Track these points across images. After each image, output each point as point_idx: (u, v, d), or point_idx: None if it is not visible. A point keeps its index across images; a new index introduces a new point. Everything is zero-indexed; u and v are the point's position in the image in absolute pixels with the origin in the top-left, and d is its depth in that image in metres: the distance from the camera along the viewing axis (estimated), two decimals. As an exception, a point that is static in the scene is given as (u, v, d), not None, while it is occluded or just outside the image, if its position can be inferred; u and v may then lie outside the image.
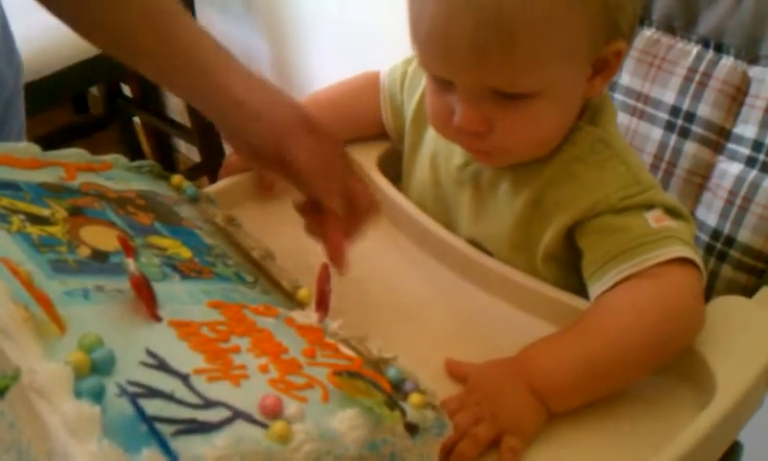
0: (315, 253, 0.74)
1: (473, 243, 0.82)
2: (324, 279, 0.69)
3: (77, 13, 0.74)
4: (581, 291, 0.75)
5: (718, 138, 0.87)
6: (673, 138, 0.90)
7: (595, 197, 0.73)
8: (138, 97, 2.16)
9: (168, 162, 2.34)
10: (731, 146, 0.86)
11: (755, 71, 0.84)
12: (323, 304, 0.67)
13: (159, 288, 0.55)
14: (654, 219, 0.71)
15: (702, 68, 0.87)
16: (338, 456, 0.48)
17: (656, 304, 0.69)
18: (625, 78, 0.92)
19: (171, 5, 0.74)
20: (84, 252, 0.57)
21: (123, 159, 0.77)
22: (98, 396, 0.43)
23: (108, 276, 0.55)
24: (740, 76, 0.85)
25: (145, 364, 0.47)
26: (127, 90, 2.24)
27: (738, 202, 0.84)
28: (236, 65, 0.75)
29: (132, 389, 0.44)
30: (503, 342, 0.70)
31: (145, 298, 0.53)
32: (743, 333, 0.72)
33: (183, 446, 0.43)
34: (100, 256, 0.58)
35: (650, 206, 0.72)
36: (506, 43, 0.65)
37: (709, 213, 0.87)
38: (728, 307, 0.74)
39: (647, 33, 0.91)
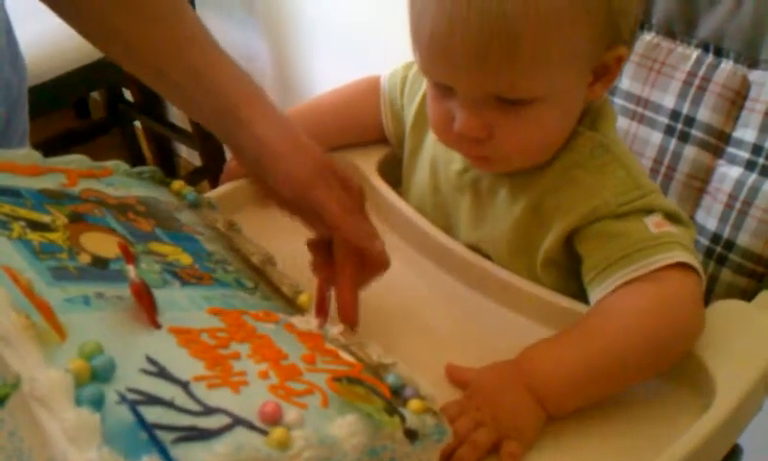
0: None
1: (473, 248, 0.82)
2: (323, 285, 0.69)
3: (100, 34, 0.74)
4: (581, 296, 0.75)
5: (718, 142, 0.87)
6: (673, 142, 0.90)
7: (595, 202, 0.73)
8: (140, 102, 2.17)
9: (169, 167, 2.34)
10: (730, 150, 0.86)
11: (754, 75, 0.84)
12: (323, 310, 0.67)
13: (160, 295, 0.55)
14: (654, 224, 0.72)
15: (701, 72, 0.87)
16: (337, 462, 0.48)
17: (655, 308, 0.69)
18: (625, 82, 0.93)
19: (200, 33, 0.74)
20: (84, 258, 0.58)
21: (124, 165, 0.77)
22: (98, 403, 0.43)
23: (109, 282, 0.55)
24: (740, 80, 0.85)
25: (145, 371, 0.47)
26: (128, 95, 2.25)
27: (738, 206, 0.84)
28: (263, 104, 0.73)
29: (132, 396, 0.44)
30: (503, 346, 0.70)
31: (145, 305, 0.53)
32: (743, 337, 0.72)
33: (183, 453, 0.43)
34: (100, 263, 0.58)
35: (650, 211, 0.73)
36: (508, 50, 0.65)
37: (709, 217, 0.87)
38: (727, 311, 0.74)
39: (647, 37, 0.91)
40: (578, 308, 0.74)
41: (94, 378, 0.44)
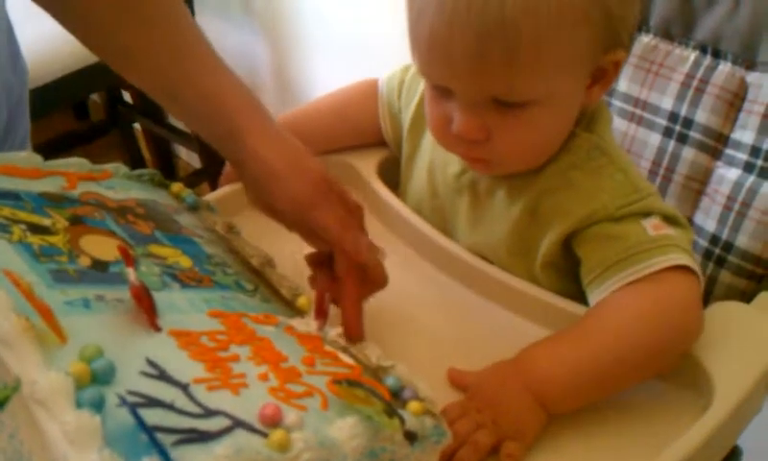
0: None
1: (472, 251, 0.82)
2: (322, 287, 0.69)
3: (112, 55, 0.74)
4: (580, 297, 0.75)
5: (716, 144, 0.87)
6: (671, 144, 0.90)
7: (593, 205, 0.73)
8: (139, 103, 2.17)
9: (168, 169, 2.34)
10: (728, 152, 0.86)
11: (752, 77, 0.84)
12: (322, 312, 0.67)
13: (159, 297, 0.55)
14: (652, 227, 0.72)
15: (699, 74, 0.87)
16: (337, 464, 0.49)
17: (654, 309, 0.69)
18: (623, 84, 0.93)
19: (200, 47, 0.74)
20: (84, 261, 0.58)
21: (123, 168, 0.77)
22: (98, 406, 0.43)
23: (109, 285, 0.56)
24: (738, 82, 0.85)
25: (145, 374, 0.48)
26: (127, 97, 2.25)
27: (736, 207, 0.84)
28: (263, 121, 0.73)
29: (132, 399, 0.44)
30: (502, 348, 0.70)
31: (145, 307, 0.53)
32: (742, 338, 0.72)
33: (184, 455, 0.43)
34: (100, 266, 0.58)
35: (648, 214, 0.73)
36: (508, 53, 0.65)
37: (708, 219, 0.87)
38: (726, 313, 0.75)
39: (645, 39, 0.91)
40: (577, 310, 0.74)
41: (94, 381, 0.44)
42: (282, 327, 0.62)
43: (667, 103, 0.90)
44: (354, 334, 0.67)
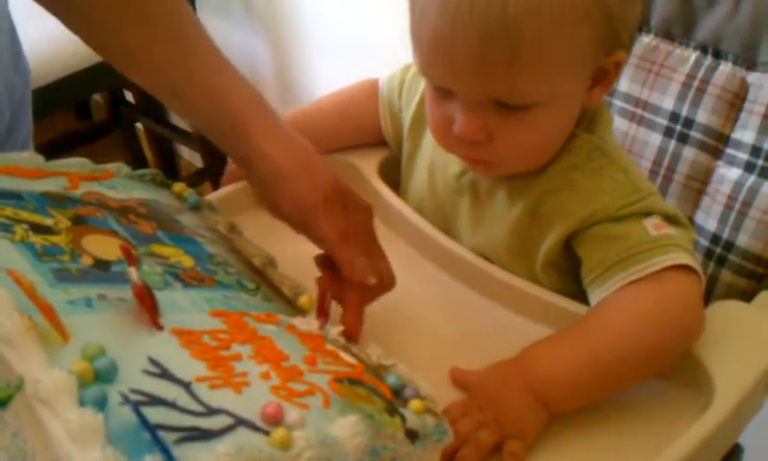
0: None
1: (473, 251, 0.82)
2: (324, 287, 0.69)
3: (96, 37, 0.74)
4: (581, 297, 0.75)
5: (717, 144, 0.87)
6: (672, 144, 0.90)
7: (594, 206, 0.73)
8: (141, 103, 2.17)
9: (171, 168, 2.35)
10: (729, 151, 0.86)
11: (753, 77, 0.84)
12: (323, 311, 0.68)
13: (161, 297, 0.55)
14: (653, 226, 0.72)
15: (700, 74, 0.87)
16: (338, 462, 0.49)
17: (656, 308, 0.69)
18: (624, 84, 0.93)
19: (203, 45, 0.74)
20: (86, 261, 0.58)
21: (125, 168, 0.77)
22: (101, 404, 0.43)
23: (111, 284, 0.56)
24: (738, 82, 0.85)
25: (148, 372, 0.48)
26: (129, 97, 2.25)
27: (737, 207, 0.84)
28: (269, 117, 0.73)
29: (134, 397, 0.45)
30: (503, 347, 0.71)
31: (147, 306, 0.53)
32: (742, 337, 0.72)
33: (186, 453, 0.43)
34: (102, 265, 0.58)
35: (648, 214, 0.73)
36: (510, 54, 0.65)
37: (708, 218, 0.87)
38: (727, 312, 0.75)
39: (645, 39, 0.91)
40: (578, 309, 0.74)
41: (97, 380, 0.45)
42: (284, 325, 0.62)
43: (668, 103, 0.90)
44: (352, 337, 0.67)
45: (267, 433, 0.46)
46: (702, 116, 0.87)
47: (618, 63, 0.73)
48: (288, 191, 0.70)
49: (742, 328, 0.73)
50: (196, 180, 2.08)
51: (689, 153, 0.89)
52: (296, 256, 0.73)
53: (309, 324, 0.65)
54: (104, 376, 0.45)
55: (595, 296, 0.72)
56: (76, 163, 0.73)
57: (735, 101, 0.85)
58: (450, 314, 0.80)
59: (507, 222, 0.79)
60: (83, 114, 2.66)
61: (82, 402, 0.43)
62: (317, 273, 0.72)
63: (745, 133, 0.85)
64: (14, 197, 0.62)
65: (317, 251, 0.73)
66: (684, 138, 0.89)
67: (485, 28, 0.64)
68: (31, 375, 0.44)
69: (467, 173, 0.82)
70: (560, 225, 0.75)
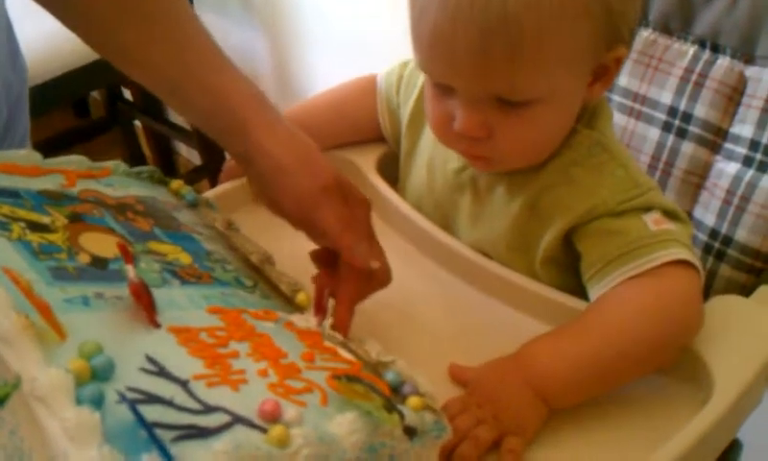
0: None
1: (472, 247, 0.82)
2: (322, 284, 0.69)
3: (94, 35, 0.74)
4: (580, 293, 0.75)
5: (715, 138, 0.87)
6: (670, 139, 0.90)
7: (593, 201, 0.73)
8: (139, 101, 2.17)
9: (169, 165, 2.35)
10: (728, 146, 0.86)
11: (751, 71, 0.84)
12: (321, 308, 0.68)
13: (159, 294, 0.55)
14: (652, 221, 0.72)
15: (698, 69, 0.87)
16: (336, 460, 0.49)
17: (655, 304, 0.69)
18: (622, 79, 0.93)
19: (202, 42, 0.73)
20: (83, 259, 0.58)
21: (123, 166, 0.77)
22: (98, 402, 0.43)
23: (108, 282, 0.56)
24: (737, 76, 0.85)
25: (145, 370, 0.48)
26: (128, 94, 2.25)
27: (736, 201, 0.84)
28: (269, 113, 0.73)
29: (131, 395, 0.45)
30: (502, 343, 0.71)
31: (144, 304, 0.53)
32: (741, 332, 0.72)
33: (183, 451, 0.43)
34: (99, 263, 0.58)
35: (648, 209, 0.73)
36: (510, 50, 0.65)
37: (707, 213, 0.87)
38: (726, 306, 0.75)
39: (644, 33, 0.91)
40: (578, 305, 0.74)
41: (94, 378, 0.45)
42: (282, 323, 0.62)
43: (666, 97, 0.90)
44: (341, 332, 0.67)
45: (264, 431, 0.46)
46: (700, 111, 0.87)
47: (619, 59, 0.73)
48: (288, 186, 0.70)
49: (741, 323, 0.73)
50: (194, 177, 2.08)
51: (688, 147, 0.89)
52: (293, 254, 0.73)
53: (307, 321, 0.65)
54: (101, 374, 0.45)
55: (595, 291, 0.72)
56: (73, 161, 0.73)
57: (734, 95, 0.85)
58: (449, 310, 0.80)
59: (507, 217, 0.79)
60: (81, 112, 2.66)
61: (78, 401, 0.43)
62: (314, 270, 0.72)
63: (743, 128, 0.85)
64: (12, 195, 0.62)
65: (314, 248, 0.73)
66: (682, 133, 0.89)
67: (485, 24, 0.64)
68: (28, 373, 0.44)
69: (466, 169, 0.81)
70: (560, 220, 0.75)
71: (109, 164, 0.76)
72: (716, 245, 0.86)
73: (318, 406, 0.51)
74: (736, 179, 0.84)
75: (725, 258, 0.86)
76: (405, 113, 0.90)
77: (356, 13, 1.70)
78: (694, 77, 0.88)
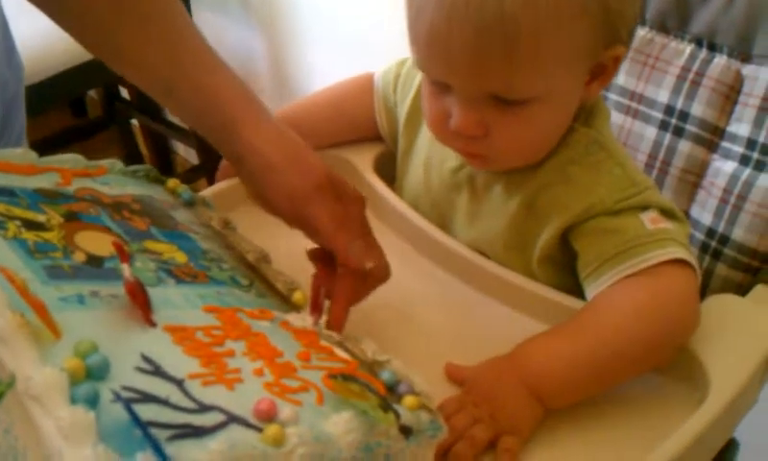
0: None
1: (469, 246, 0.82)
2: (318, 283, 0.69)
3: (89, 36, 0.74)
4: (577, 292, 0.75)
5: (712, 137, 0.87)
6: (667, 137, 0.90)
7: (591, 199, 0.73)
8: (136, 100, 2.17)
9: (166, 164, 2.34)
10: (725, 144, 0.86)
11: (748, 69, 0.84)
12: (317, 307, 0.67)
13: (155, 293, 0.55)
14: (649, 220, 0.72)
15: (695, 67, 0.87)
16: (332, 459, 0.48)
17: (651, 303, 0.69)
18: (619, 77, 0.93)
19: (195, 43, 0.73)
20: (79, 257, 0.58)
21: (119, 164, 0.77)
22: (93, 401, 0.43)
23: (104, 281, 0.56)
24: (733, 74, 0.85)
25: (140, 369, 0.47)
26: (125, 93, 2.25)
27: (733, 200, 0.84)
28: (259, 112, 0.73)
29: (126, 394, 0.44)
30: (499, 342, 0.71)
31: (140, 303, 0.53)
32: (738, 331, 0.72)
33: (178, 450, 0.43)
34: (95, 262, 0.58)
35: (645, 208, 0.73)
36: (507, 49, 0.65)
37: (704, 212, 0.87)
38: (722, 306, 0.75)
39: (641, 32, 0.91)
40: (574, 304, 0.74)
41: (89, 377, 0.44)
42: (278, 322, 0.62)
43: (663, 96, 0.90)
44: (335, 329, 0.67)
45: (260, 430, 0.46)
46: (697, 109, 0.87)
47: (617, 58, 0.73)
48: (280, 184, 0.70)
49: (737, 322, 0.73)
50: (191, 176, 2.08)
51: (685, 146, 0.89)
52: (290, 252, 0.73)
53: (303, 320, 0.65)
54: (96, 373, 0.45)
55: (591, 290, 0.72)
56: (69, 160, 0.73)
57: (731, 94, 0.85)
58: (446, 309, 0.80)
59: (504, 216, 0.78)
60: (78, 112, 2.66)
61: (73, 400, 0.42)
62: (311, 269, 0.72)
63: (740, 126, 0.85)
64: (7, 193, 0.62)
65: (311, 246, 0.73)
66: (679, 132, 0.89)
67: (481, 22, 0.64)
68: (22, 372, 0.44)
69: (464, 168, 0.81)
70: (557, 218, 0.75)
71: (105, 163, 0.76)
72: (713, 244, 0.86)
73: (314, 405, 0.51)
74: (733, 177, 0.84)
75: (721, 257, 0.86)
76: (402, 112, 0.89)
77: (354, 12, 1.70)
78: (691, 75, 0.88)
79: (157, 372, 0.48)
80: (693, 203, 0.89)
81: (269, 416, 0.47)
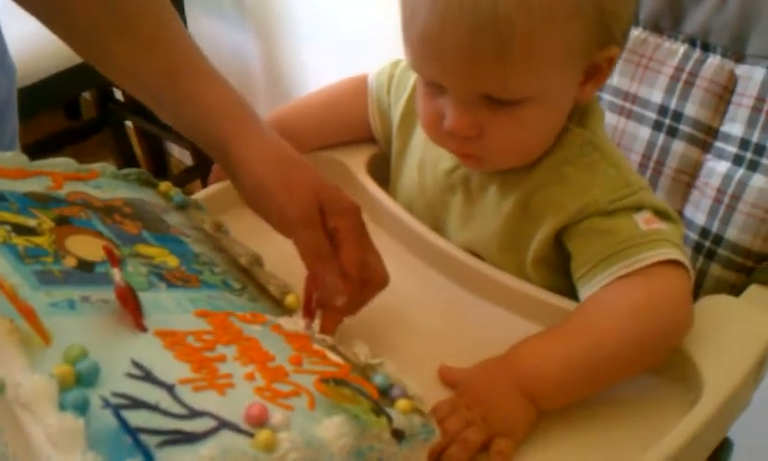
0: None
1: (463, 247, 0.82)
2: (311, 286, 0.69)
3: (79, 42, 0.74)
4: (571, 293, 0.75)
5: (706, 137, 0.87)
6: (661, 137, 0.90)
7: (585, 200, 0.73)
8: (130, 101, 2.16)
9: (160, 166, 2.34)
10: (718, 144, 0.86)
11: (741, 69, 0.84)
12: (310, 311, 0.67)
13: (146, 297, 0.55)
14: (643, 221, 0.72)
15: (689, 67, 0.87)
16: (324, 464, 0.48)
17: (645, 304, 0.69)
18: (613, 78, 0.92)
19: (186, 50, 0.73)
20: (70, 262, 0.57)
21: (111, 168, 0.77)
22: (82, 408, 0.43)
23: (95, 286, 0.55)
24: (727, 74, 0.85)
25: (130, 375, 0.47)
26: (119, 95, 2.24)
27: (726, 200, 0.84)
28: (251, 126, 0.72)
29: (116, 400, 0.44)
30: (493, 344, 0.70)
31: (130, 308, 0.53)
32: (731, 332, 0.72)
33: (168, 457, 0.43)
34: (86, 267, 0.58)
35: (639, 208, 0.73)
36: (500, 50, 0.65)
37: (698, 212, 0.87)
38: (716, 306, 0.75)
39: (634, 32, 0.91)
40: (568, 306, 0.74)
41: (78, 383, 0.44)
42: (270, 325, 0.62)
43: (657, 96, 0.90)
44: (327, 333, 0.66)
45: (251, 435, 0.46)
46: (690, 109, 0.87)
47: (611, 59, 0.72)
48: (269, 208, 0.70)
49: (731, 323, 0.73)
50: (186, 177, 2.07)
51: (678, 146, 0.89)
52: (283, 255, 0.72)
53: (296, 324, 0.64)
54: (85, 379, 0.45)
55: (585, 291, 0.72)
56: (60, 163, 0.73)
57: (724, 94, 0.85)
58: (440, 312, 0.80)
59: (498, 217, 0.78)
60: (72, 114, 2.65)
61: (62, 407, 0.42)
62: (304, 272, 0.72)
63: (734, 126, 0.85)
64: (-3, 198, 0.62)
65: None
66: (672, 132, 0.89)
67: (474, 22, 0.64)
68: (12, 378, 0.44)
69: (458, 169, 0.81)
70: (551, 218, 0.74)
71: (97, 166, 0.76)
72: (707, 244, 0.86)
73: (305, 410, 0.51)
74: (727, 177, 0.84)
75: (715, 257, 0.86)
76: (396, 113, 0.89)
77: (348, 13, 1.70)
78: (684, 76, 0.87)
79: (148, 377, 0.48)
80: (687, 203, 0.89)
81: (260, 421, 0.47)
